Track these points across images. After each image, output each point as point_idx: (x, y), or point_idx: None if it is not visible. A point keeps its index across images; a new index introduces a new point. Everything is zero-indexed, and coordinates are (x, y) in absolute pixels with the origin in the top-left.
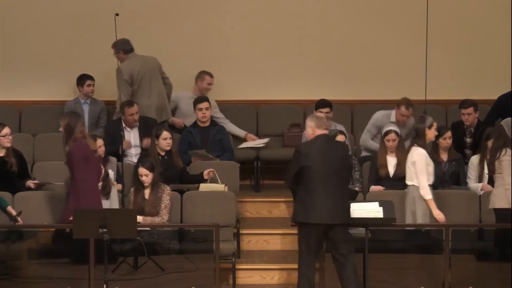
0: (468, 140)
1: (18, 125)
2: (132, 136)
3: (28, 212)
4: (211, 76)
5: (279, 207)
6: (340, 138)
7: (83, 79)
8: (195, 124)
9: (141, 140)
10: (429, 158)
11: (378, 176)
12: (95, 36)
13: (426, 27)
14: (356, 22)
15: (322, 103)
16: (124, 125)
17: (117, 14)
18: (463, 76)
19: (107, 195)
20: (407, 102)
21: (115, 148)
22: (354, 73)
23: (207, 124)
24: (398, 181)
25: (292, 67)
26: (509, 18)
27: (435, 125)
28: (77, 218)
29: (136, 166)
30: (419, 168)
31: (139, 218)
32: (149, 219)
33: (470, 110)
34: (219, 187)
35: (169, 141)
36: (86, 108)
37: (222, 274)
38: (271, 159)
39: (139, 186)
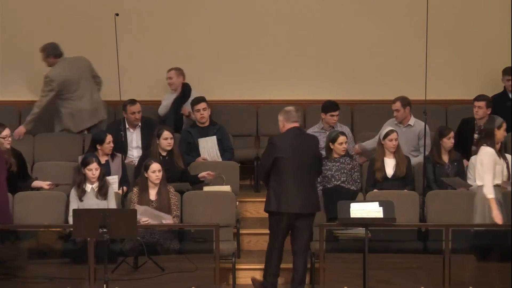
0: (476, 136)
1: (18, 125)
2: (134, 137)
3: (28, 212)
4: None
5: None
6: (341, 139)
7: None
8: (194, 124)
9: (143, 142)
10: (497, 158)
11: (375, 177)
12: (95, 36)
13: (426, 27)
14: (356, 22)
15: (333, 106)
16: (127, 125)
17: (117, 14)
18: (463, 76)
19: (104, 195)
20: (399, 99)
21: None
22: (354, 73)
23: (206, 124)
24: (397, 181)
25: (292, 67)
26: (509, 18)
27: (504, 125)
28: (77, 218)
29: (145, 165)
30: (486, 167)
31: (167, 220)
32: (170, 219)
33: (482, 104)
34: (224, 188)
35: (170, 141)
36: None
37: (222, 274)
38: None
39: (143, 186)
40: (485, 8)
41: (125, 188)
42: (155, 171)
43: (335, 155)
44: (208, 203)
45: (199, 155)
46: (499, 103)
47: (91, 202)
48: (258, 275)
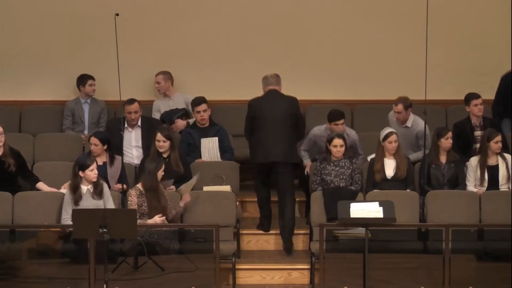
0: (478, 133)
1: (18, 125)
2: (133, 136)
3: (28, 212)
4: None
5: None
6: (336, 142)
7: (84, 79)
8: (194, 125)
9: (142, 141)
10: None
11: (375, 181)
12: (95, 36)
13: (426, 27)
14: (356, 22)
15: (336, 116)
16: (126, 124)
17: (117, 14)
18: (463, 76)
19: (99, 195)
20: (401, 101)
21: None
22: (354, 73)
23: (206, 125)
24: (397, 183)
25: (292, 67)
26: (509, 18)
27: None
28: (77, 218)
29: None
30: None
31: (159, 220)
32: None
33: (480, 100)
34: (225, 188)
35: (163, 144)
36: (86, 108)
37: (222, 274)
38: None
39: (152, 185)
40: (485, 8)
41: (125, 185)
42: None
43: (334, 158)
44: (208, 203)
45: (199, 156)
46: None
47: (88, 203)
48: (258, 275)
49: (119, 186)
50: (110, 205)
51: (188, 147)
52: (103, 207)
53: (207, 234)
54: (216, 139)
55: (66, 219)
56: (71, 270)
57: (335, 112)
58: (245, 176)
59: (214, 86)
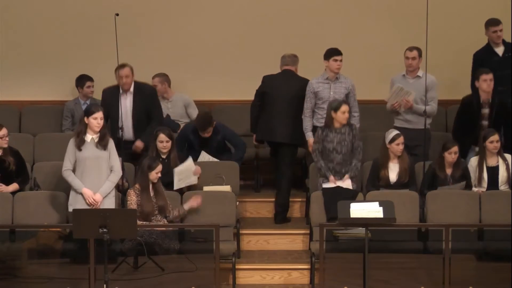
0: (485, 111)
1: (18, 125)
2: (128, 101)
3: (28, 212)
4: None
5: None
6: (344, 108)
7: (82, 80)
8: (196, 130)
9: (134, 108)
10: None
11: (377, 182)
12: (95, 36)
13: (426, 27)
14: (356, 22)
15: (336, 50)
16: (121, 90)
17: (117, 14)
18: (463, 76)
19: (104, 146)
20: (416, 48)
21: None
22: (354, 73)
23: (209, 135)
24: (400, 187)
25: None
26: (509, 18)
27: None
28: (77, 218)
29: (149, 165)
30: None
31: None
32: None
33: (490, 75)
34: (225, 188)
35: (166, 144)
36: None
37: (222, 274)
38: (271, 159)
39: (145, 184)
40: (485, 8)
41: (125, 183)
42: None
43: (337, 125)
44: (208, 203)
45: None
46: (483, 59)
47: (90, 152)
48: (258, 275)
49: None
50: (114, 157)
51: (186, 153)
52: (106, 158)
53: (207, 234)
54: (189, 161)
55: (67, 168)
56: (71, 270)
57: (334, 48)
58: (245, 176)
59: (213, 86)
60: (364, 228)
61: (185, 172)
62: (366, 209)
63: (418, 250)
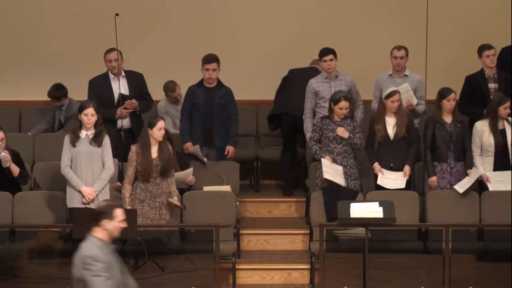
0: (492, 85)
1: (18, 125)
2: (122, 86)
3: (28, 212)
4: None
5: (279, 207)
6: (342, 104)
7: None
8: (201, 83)
9: (130, 91)
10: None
11: (375, 141)
12: (95, 36)
13: (426, 27)
14: (356, 22)
15: (324, 51)
16: (112, 76)
17: (117, 14)
18: (463, 76)
19: (98, 143)
20: (404, 47)
21: (105, 108)
22: (353, 73)
23: (213, 85)
24: (399, 143)
25: (292, 67)
26: (509, 18)
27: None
28: (77, 218)
29: (150, 122)
30: None
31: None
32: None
33: (493, 51)
34: (225, 188)
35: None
36: (63, 114)
37: (222, 274)
38: (271, 159)
39: (145, 144)
40: (485, 7)
41: (119, 184)
42: (161, 128)
43: (336, 118)
44: (208, 203)
45: (202, 115)
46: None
47: (84, 148)
48: (258, 275)
49: (118, 184)
50: (108, 155)
51: (191, 106)
52: (100, 155)
53: (207, 234)
54: (197, 147)
55: (66, 164)
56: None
57: (324, 48)
58: (245, 176)
59: None
60: (364, 228)
61: (181, 179)
62: (366, 209)
63: (418, 250)
